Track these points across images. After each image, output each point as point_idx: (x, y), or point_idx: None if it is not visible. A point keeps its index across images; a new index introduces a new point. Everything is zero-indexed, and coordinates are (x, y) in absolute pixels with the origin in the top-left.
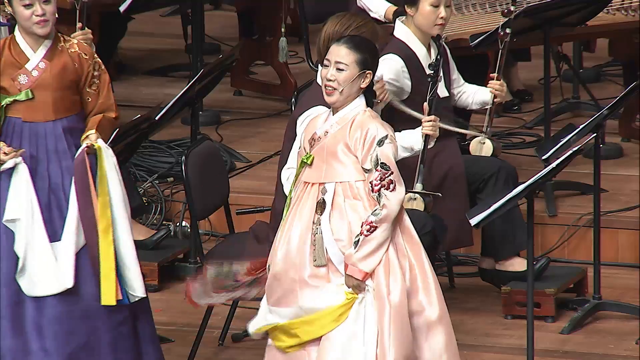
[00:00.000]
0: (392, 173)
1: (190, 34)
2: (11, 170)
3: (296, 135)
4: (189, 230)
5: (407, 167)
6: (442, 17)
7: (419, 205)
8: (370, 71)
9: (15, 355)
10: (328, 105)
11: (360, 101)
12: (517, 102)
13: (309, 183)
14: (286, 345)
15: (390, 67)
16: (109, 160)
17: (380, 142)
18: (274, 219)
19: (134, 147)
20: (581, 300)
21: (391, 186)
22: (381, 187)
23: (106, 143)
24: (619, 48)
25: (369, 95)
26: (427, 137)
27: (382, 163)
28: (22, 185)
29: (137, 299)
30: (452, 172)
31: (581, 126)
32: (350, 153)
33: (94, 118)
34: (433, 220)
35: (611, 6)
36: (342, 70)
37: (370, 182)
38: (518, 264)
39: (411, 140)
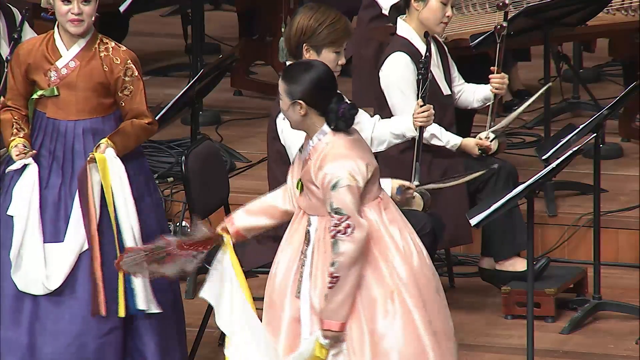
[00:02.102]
0: (348, 217)
1: (190, 34)
2: (23, 167)
3: (277, 134)
4: (189, 230)
5: (405, 166)
6: (447, 16)
7: (417, 204)
8: (301, 101)
9: (8, 346)
10: None
11: (324, 131)
12: (517, 102)
13: (301, 209)
14: None
15: (402, 63)
16: (114, 171)
17: (334, 187)
18: None
19: None
20: (581, 300)
21: (348, 230)
22: (337, 232)
23: (131, 148)
24: (619, 48)
25: (341, 121)
26: (421, 131)
27: (335, 209)
28: (28, 185)
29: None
30: (451, 171)
31: (581, 126)
32: (318, 190)
33: (122, 123)
34: (432, 220)
35: (611, 6)
36: (280, 100)
37: (327, 227)
38: (518, 264)
39: (402, 126)
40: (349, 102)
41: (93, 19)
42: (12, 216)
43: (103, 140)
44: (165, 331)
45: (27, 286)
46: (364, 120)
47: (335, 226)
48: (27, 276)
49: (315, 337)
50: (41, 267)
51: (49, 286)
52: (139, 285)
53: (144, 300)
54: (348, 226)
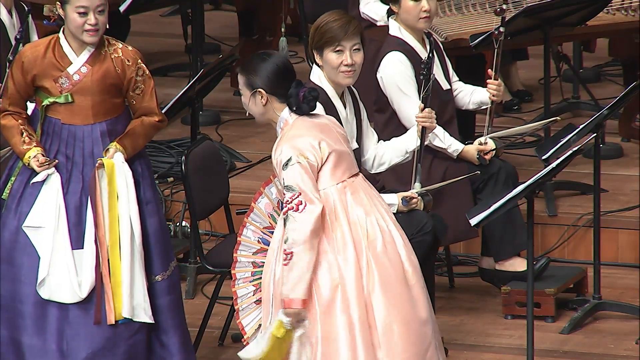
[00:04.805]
0: (299, 194)
1: (190, 34)
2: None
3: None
4: (189, 230)
5: (406, 167)
6: (425, 10)
7: (418, 205)
8: (261, 90)
9: (34, 353)
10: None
11: (283, 117)
12: (517, 102)
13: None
14: None
15: (398, 62)
16: (121, 176)
17: (285, 166)
18: None
19: None
20: (581, 300)
21: (300, 207)
22: (289, 209)
23: (141, 147)
24: (619, 48)
25: (303, 104)
26: (423, 132)
27: (286, 186)
28: (52, 194)
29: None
30: (451, 169)
31: (581, 126)
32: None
33: (132, 122)
34: (433, 219)
35: (611, 6)
36: (241, 93)
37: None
38: (518, 264)
39: (402, 143)
40: (308, 87)
41: (107, 27)
42: (32, 227)
43: (112, 145)
44: (184, 325)
45: (53, 294)
46: (367, 143)
47: (287, 203)
48: (55, 284)
49: (277, 316)
50: (73, 274)
51: (80, 294)
52: (125, 293)
53: (128, 309)
54: (300, 203)
